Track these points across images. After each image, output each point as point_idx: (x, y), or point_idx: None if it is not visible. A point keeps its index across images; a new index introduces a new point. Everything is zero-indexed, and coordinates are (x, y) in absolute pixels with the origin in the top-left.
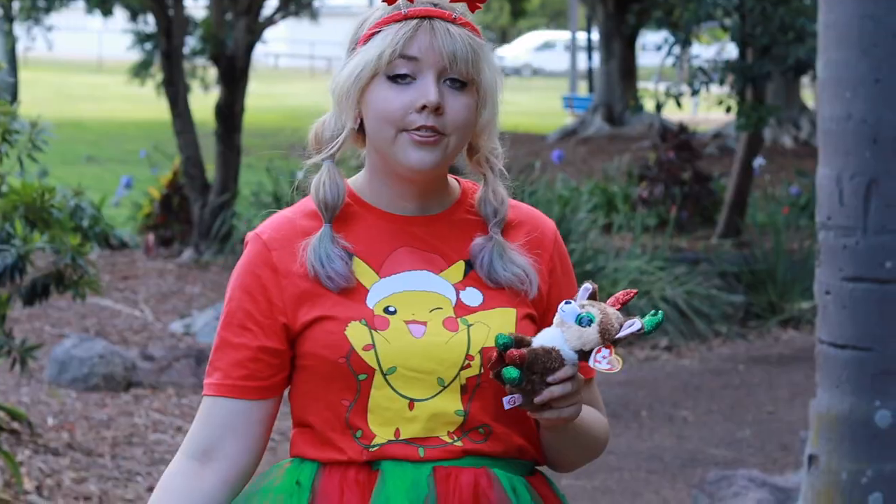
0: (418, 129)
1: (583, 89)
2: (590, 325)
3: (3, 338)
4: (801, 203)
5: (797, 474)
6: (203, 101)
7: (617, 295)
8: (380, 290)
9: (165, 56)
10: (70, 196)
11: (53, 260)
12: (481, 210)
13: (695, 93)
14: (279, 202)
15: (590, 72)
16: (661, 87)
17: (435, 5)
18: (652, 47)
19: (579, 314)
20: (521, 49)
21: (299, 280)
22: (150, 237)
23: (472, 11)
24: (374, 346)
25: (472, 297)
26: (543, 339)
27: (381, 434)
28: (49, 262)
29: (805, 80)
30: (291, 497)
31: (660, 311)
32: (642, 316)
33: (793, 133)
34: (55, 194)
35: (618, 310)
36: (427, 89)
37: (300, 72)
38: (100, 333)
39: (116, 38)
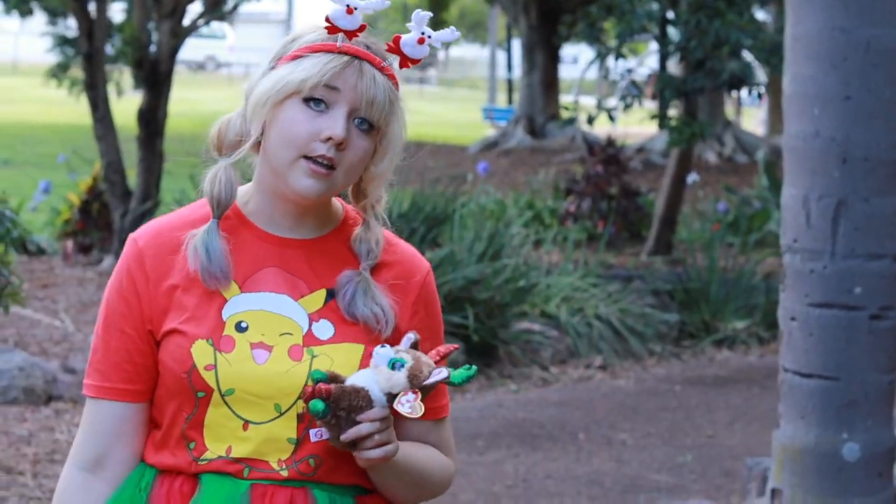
0: (317, 157)
1: (501, 101)
2: (401, 370)
3: None
4: (728, 220)
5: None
6: (118, 106)
7: (439, 348)
8: (237, 304)
9: (87, 58)
10: None
11: None
12: (355, 247)
13: (627, 107)
14: None
15: (509, 83)
16: (582, 99)
17: (368, 48)
18: (569, 60)
19: (392, 358)
20: None
21: (167, 291)
22: (69, 244)
23: (401, 68)
24: (215, 366)
25: (324, 329)
26: (356, 378)
27: (213, 449)
28: None
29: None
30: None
31: (473, 367)
32: (455, 368)
33: (717, 149)
34: None
35: (437, 361)
36: (336, 123)
37: (217, 78)
38: (18, 344)
39: (33, 40)
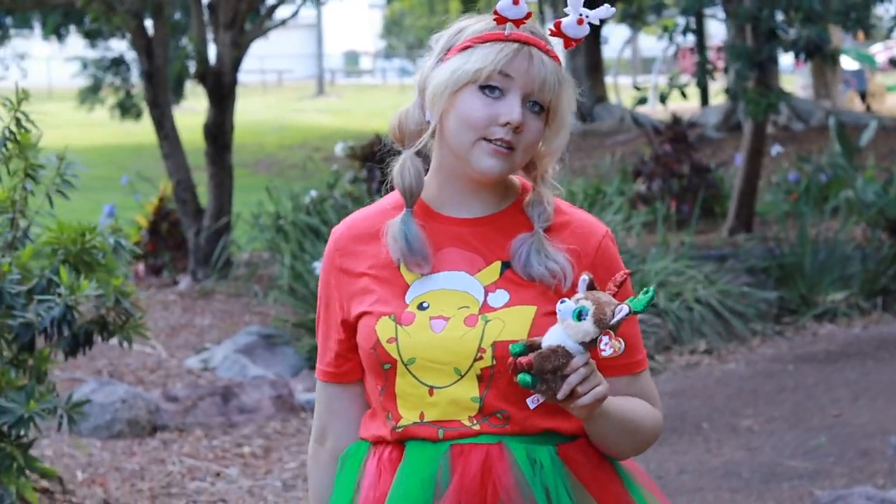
0: (497, 140)
1: None
2: (586, 318)
3: (49, 396)
4: (801, 189)
5: None
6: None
7: (615, 277)
8: (418, 288)
9: (147, 77)
10: (108, 233)
11: (96, 304)
12: (528, 211)
13: (699, 83)
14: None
15: None
16: (620, 80)
17: (532, 33)
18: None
19: (575, 309)
20: None
21: (356, 277)
22: (140, 266)
23: (566, 48)
24: (396, 339)
25: (499, 298)
26: (549, 339)
27: (407, 416)
28: (91, 306)
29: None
30: (348, 477)
31: (651, 288)
32: (635, 297)
33: (772, 118)
34: (95, 235)
35: (614, 293)
36: (513, 108)
37: (252, 87)
38: (113, 375)
39: (66, 65)
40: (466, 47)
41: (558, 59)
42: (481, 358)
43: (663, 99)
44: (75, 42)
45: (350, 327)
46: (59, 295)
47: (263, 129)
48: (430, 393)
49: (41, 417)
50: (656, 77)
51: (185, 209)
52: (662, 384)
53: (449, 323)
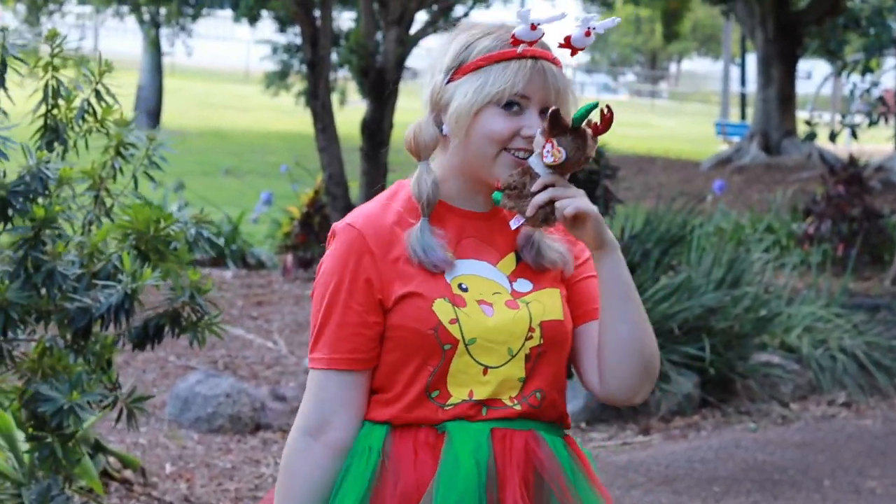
0: (519, 149)
1: (734, 115)
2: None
3: (98, 387)
4: None
5: None
6: (342, 115)
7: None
8: (455, 269)
9: (310, 66)
10: (191, 224)
11: (170, 297)
12: None
13: (872, 124)
14: None
15: (743, 98)
16: (816, 115)
17: (542, 46)
18: (802, 75)
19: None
20: None
21: (391, 262)
22: (289, 258)
23: (573, 56)
24: (458, 320)
25: (523, 285)
26: None
27: (457, 395)
28: (164, 299)
29: None
30: (361, 460)
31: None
32: None
33: None
34: (172, 221)
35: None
36: (534, 123)
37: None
38: (228, 367)
39: (264, 48)
40: (479, 66)
41: (561, 65)
42: (531, 337)
43: (833, 137)
44: (270, 25)
45: (384, 310)
46: (120, 282)
47: None
48: (485, 372)
49: (82, 409)
50: (853, 116)
51: (335, 204)
52: (791, 434)
53: (495, 307)
